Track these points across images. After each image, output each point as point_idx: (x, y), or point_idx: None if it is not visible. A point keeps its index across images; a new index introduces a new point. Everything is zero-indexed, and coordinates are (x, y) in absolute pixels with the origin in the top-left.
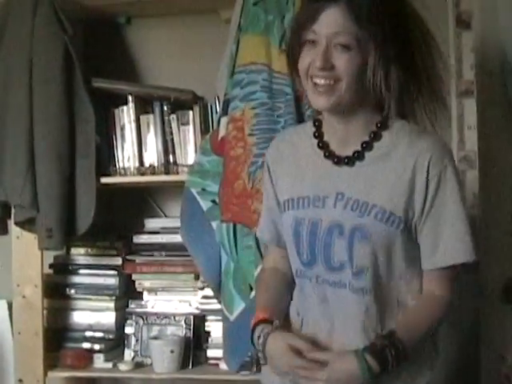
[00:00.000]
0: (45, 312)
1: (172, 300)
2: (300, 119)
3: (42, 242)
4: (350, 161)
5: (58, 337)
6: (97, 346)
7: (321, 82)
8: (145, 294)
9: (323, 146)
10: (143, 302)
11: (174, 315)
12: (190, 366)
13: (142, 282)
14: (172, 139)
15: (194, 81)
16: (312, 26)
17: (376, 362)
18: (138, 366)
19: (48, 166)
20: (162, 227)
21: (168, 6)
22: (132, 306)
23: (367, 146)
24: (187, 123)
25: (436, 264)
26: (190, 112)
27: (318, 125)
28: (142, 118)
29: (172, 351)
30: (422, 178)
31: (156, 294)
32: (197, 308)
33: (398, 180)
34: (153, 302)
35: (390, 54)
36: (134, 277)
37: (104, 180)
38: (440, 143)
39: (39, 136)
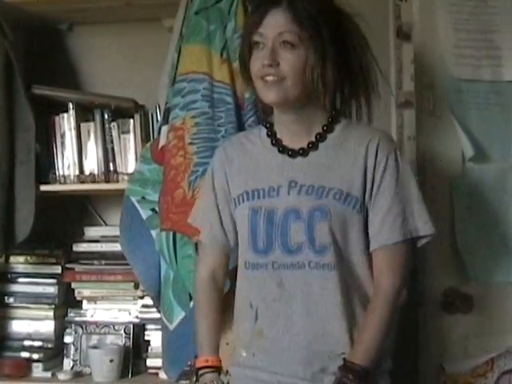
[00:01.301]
0: None
1: (111, 309)
2: (241, 128)
3: None
4: (304, 152)
5: None
6: (35, 356)
7: (269, 78)
8: (84, 302)
9: (276, 142)
10: (82, 311)
11: (114, 324)
12: (130, 375)
13: (82, 290)
14: (112, 147)
15: (135, 89)
16: (258, 30)
17: None
18: (77, 375)
19: None
20: (101, 235)
21: (110, 14)
22: (71, 314)
23: (321, 137)
24: (128, 131)
25: (381, 242)
26: (131, 120)
27: (269, 126)
28: (83, 125)
29: (111, 360)
30: (372, 162)
31: (95, 303)
32: (136, 317)
33: (351, 166)
34: (92, 311)
35: (327, 54)
36: (73, 285)
37: (44, 188)
38: (386, 134)
39: None
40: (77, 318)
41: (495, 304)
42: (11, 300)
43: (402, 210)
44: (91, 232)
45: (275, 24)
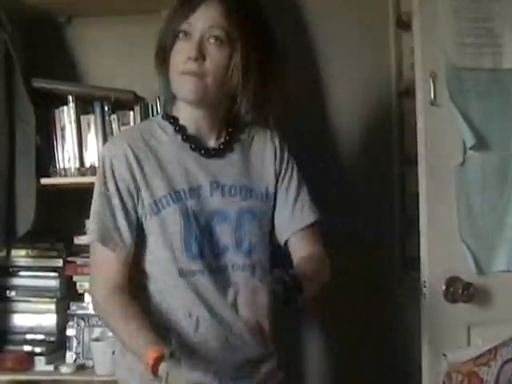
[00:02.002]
0: None
1: None
2: None
3: None
4: (217, 152)
5: None
6: (38, 349)
7: (192, 71)
8: (86, 295)
9: (188, 139)
10: (84, 304)
11: None
12: None
13: (83, 283)
14: None
15: (135, 81)
16: (188, 19)
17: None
18: (80, 368)
19: None
20: None
21: (109, 6)
22: (73, 307)
23: (231, 138)
24: (128, 123)
25: (299, 225)
26: (131, 112)
27: (174, 121)
28: (83, 118)
29: (114, 353)
30: (278, 157)
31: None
32: None
33: (263, 163)
34: None
35: (251, 57)
36: (75, 278)
37: (44, 181)
38: (278, 136)
39: None
40: (79, 311)
41: (497, 293)
42: (13, 294)
43: (304, 197)
44: None
45: (207, 16)
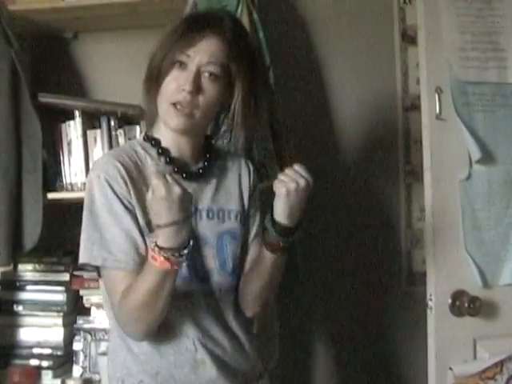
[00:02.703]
0: None
1: None
2: None
3: None
4: (198, 175)
5: (5, 354)
6: (45, 363)
7: (184, 105)
8: (93, 309)
9: (172, 161)
10: (91, 318)
11: None
12: None
13: (90, 297)
14: None
15: (141, 96)
16: (187, 51)
17: None
18: (87, 382)
19: None
20: None
21: (115, 21)
22: (80, 321)
23: (209, 163)
24: (134, 138)
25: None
26: (137, 127)
27: (156, 143)
28: (89, 132)
29: None
30: (250, 188)
31: (104, 310)
32: None
33: (239, 187)
34: (101, 318)
35: (252, 91)
36: (81, 292)
37: (51, 195)
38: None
39: None
40: (85, 325)
41: (504, 306)
42: (20, 308)
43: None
44: None
45: (206, 51)
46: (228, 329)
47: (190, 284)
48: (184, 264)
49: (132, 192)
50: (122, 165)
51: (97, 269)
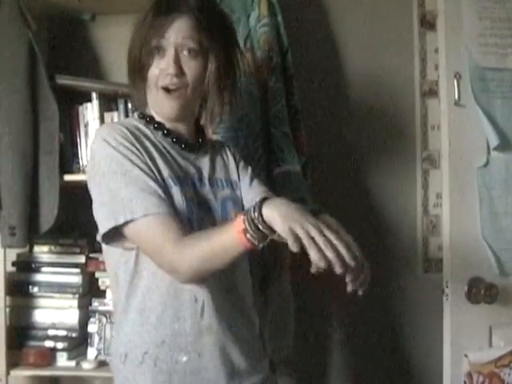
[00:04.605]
0: (7, 310)
1: None
2: (264, 117)
3: (4, 240)
4: (195, 147)
5: (20, 335)
6: (60, 345)
7: (173, 87)
8: (108, 291)
9: (169, 133)
10: (106, 300)
11: None
12: None
13: (106, 279)
14: None
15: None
16: (161, 35)
17: None
18: (102, 364)
19: (11, 163)
20: None
21: (133, 4)
22: (95, 304)
23: (203, 140)
24: None
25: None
26: None
27: (150, 119)
28: (107, 115)
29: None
30: (236, 162)
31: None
32: None
33: (227, 164)
34: None
35: (221, 64)
36: (97, 275)
37: (67, 177)
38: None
39: (2, 133)
40: (101, 308)
41: None
42: (35, 289)
43: (259, 179)
44: None
45: (180, 30)
46: (234, 295)
47: None
48: (196, 223)
49: (142, 150)
50: (127, 129)
51: (104, 239)
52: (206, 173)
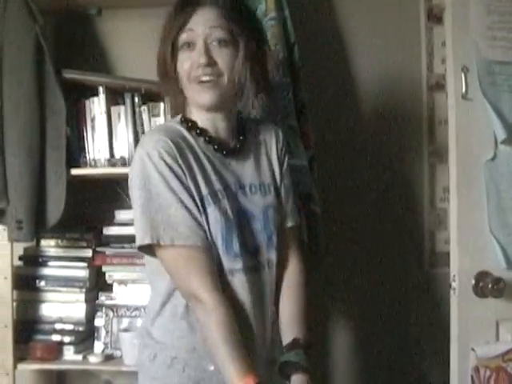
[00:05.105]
0: (14, 304)
1: (142, 292)
2: (272, 112)
3: (11, 234)
4: (237, 152)
5: (27, 329)
6: (67, 339)
7: (206, 78)
8: (115, 285)
9: (211, 140)
10: (113, 294)
11: (144, 307)
12: None
13: (112, 273)
14: (143, 131)
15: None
16: (188, 26)
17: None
18: (108, 358)
19: (18, 157)
20: (132, 219)
21: None
22: (102, 298)
23: (245, 138)
24: (158, 115)
25: (291, 222)
26: (161, 104)
27: (192, 124)
28: (113, 109)
29: None
30: (277, 150)
31: (126, 286)
32: None
33: (270, 162)
34: (123, 294)
35: (251, 51)
36: (104, 269)
37: (74, 172)
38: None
39: (9, 127)
40: (107, 302)
41: None
42: (42, 283)
43: (293, 198)
44: (122, 215)
45: (205, 20)
46: (265, 304)
47: (239, 260)
48: (235, 240)
49: (184, 167)
50: (172, 141)
51: (140, 249)
52: (248, 179)
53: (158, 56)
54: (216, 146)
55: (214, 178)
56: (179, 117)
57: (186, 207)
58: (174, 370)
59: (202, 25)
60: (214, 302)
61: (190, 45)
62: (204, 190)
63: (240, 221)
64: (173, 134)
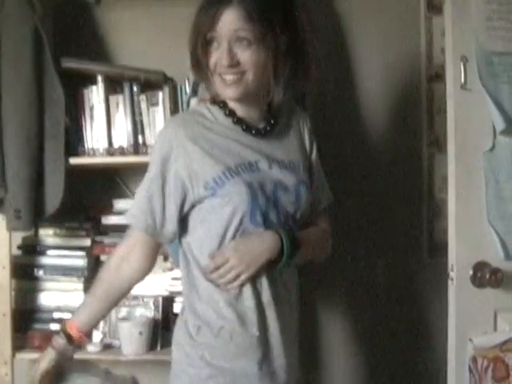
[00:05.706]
0: (13, 293)
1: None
2: None
3: (10, 223)
4: (265, 132)
5: (26, 318)
6: None
7: (229, 77)
8: None
9: (238, 121)
10: None
11: (143, 297)
12: (159, 348)
13: None
14: (141, 120)
15: (164, 61)
16: (214, 27)
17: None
18: (107, 347)
19: (17, 146)
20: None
21: None
22: None
23: (275, 121)
24: (157, 104)
25: (324, 203)
26: (160, 93)
27: (223, 105)
28: (112, 98)
29: (140, 333)
30: (307, 133)
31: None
32: (165, 289)
33: (299, 142)
34: None
35: (279, 49)
36: (102, 258)
37: (73, 161)
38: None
39: (8, 116)
40: None
41: None
42: (40, 273)
43: (323, 178)
44: (120, 204)
45: (230, 22)
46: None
47: (262, 229)
48: (258, 210)
49: (195, 152)
50: (185, 129)
51: None
52: (279, 157)
53: (190, 48)
54: (244, 127)
55: (236, 154)
56: (209, 99)
57: (152, 193)
58: (220, 338)
59: (226, 26)
60: (136, 256)
61: (215, 42)
62: (222, 166)
63: (272, 191)
64: (191, 118)
